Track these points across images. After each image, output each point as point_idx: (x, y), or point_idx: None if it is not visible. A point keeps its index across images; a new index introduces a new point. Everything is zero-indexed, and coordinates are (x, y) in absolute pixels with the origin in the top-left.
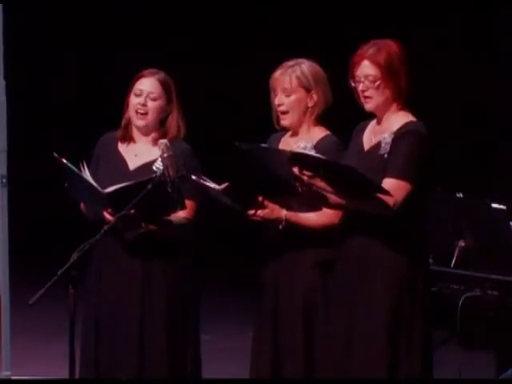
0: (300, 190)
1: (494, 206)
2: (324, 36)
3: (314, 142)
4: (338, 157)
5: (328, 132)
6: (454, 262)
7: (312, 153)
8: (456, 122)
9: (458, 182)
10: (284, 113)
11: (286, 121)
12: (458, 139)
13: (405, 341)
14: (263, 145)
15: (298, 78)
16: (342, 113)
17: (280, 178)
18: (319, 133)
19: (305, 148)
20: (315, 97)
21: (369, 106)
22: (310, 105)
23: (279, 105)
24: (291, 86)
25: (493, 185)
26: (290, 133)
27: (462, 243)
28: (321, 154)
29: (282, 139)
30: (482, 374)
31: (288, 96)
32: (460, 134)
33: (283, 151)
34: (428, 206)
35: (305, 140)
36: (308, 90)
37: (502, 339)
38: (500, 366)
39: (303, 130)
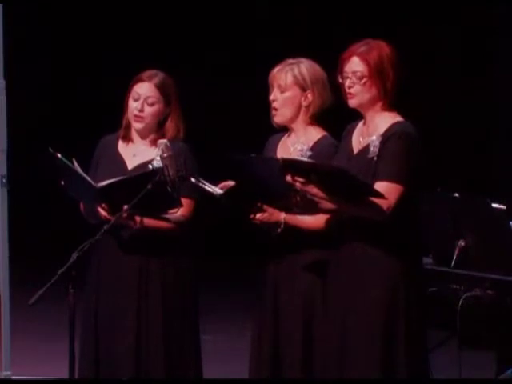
0: (295, 200)
1: (494, 205)
2: (325, 36)
3: (311, 144)
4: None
5: (325, 133)
6: (454, 262)
7: (307, 155)
8: (456, 122)
9: (458, 182)
10: (276, 109)
11: (277, 117)
12: (458, 139)
13: (402, 340)
14: (253, 155)
15: (294, 76)
16: (341, 114)
17: (275, 186)
18: (316, 134)
19: (301, 150)
20: (310, 96)
21: (352, 101)
22: (303, 104)
23: (273, 100)
24: (286, 83)
25: (493, 185)
26: (287, 134)
27: (461, 243)
28: (317, 155)
29: (281, 140)
30: (481, 374)
31: (282, 92)
32: (460, 134)
33: (275, 159)
34: (428, 206)
35: (302, 142)
36: (303, 89)
37: (502, 339)
38: (500, 365)
39: (299, 130)
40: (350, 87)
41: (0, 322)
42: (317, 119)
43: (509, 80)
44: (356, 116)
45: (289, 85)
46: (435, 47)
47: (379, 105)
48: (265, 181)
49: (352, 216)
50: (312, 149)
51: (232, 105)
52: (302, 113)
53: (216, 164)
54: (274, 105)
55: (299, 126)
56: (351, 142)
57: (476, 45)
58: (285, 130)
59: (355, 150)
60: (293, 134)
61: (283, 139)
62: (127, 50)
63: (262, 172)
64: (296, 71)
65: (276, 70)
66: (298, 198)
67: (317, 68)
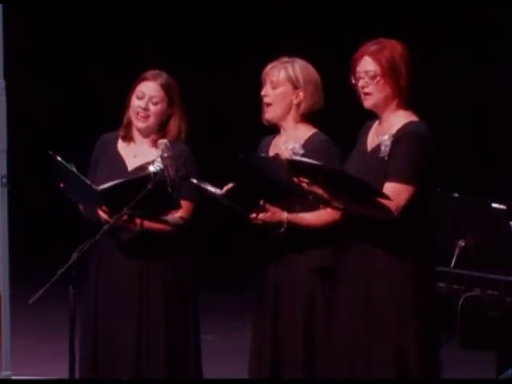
0: (307, 200)
1: (494, 205)
2: (325, 36)
3: (302, 142)
4: (329, 154)
5: (315, 129)
6: (454, 262)
7: (300, 153)
8: (456, 122)
9: (458, 181)
10: (268, 105)
11: (268, 114)
12: (458, 139)
13: (413, 341)
14: (261, 154)
15: (287, 73)
16: (344, 114)
17: (281, 185)
18: (306, 131)
19: (293, 148)
20: (301, 94)
21: (368, 102)
22: (294, 102)
23: (264, 95)
24: (279, 79)
25: (493, 185)
26: (278, 135)
27: (462, 243)
28: (310, 152)
29: (273, 141)
30: (482, 374)
31: (274, 88)
32: (460, 134)
33: (279, 159)
34: (428, 206)
35: (293, 140)
36: (295, 87)
37: (502, 339)
38: (500, 365)
39: (289, 128)
40: (363, 87)
41: (0, 322)
42: (307, 118)
43: (509, 80)
44: (362, 117)
45: (281, 81)
46: (435, 47)
47: (394, 103)
48: (270, 180)
49: (359, 216)
50: (304, 146)
51: (232, 105)
52: (292, 110)
53: (216, 164)
54: (265, 100)
55: (289, 123)
56: (367, 139)
57: (476, 45)
58: (276, 130)
59: (369, 148)
60: (283, 133)
61: (275, 140)
62: (127, 50)
63: (267, 171)
64: (289, 69)
65: (269, 66)
66: (311, 197)
67: (310, 69)
